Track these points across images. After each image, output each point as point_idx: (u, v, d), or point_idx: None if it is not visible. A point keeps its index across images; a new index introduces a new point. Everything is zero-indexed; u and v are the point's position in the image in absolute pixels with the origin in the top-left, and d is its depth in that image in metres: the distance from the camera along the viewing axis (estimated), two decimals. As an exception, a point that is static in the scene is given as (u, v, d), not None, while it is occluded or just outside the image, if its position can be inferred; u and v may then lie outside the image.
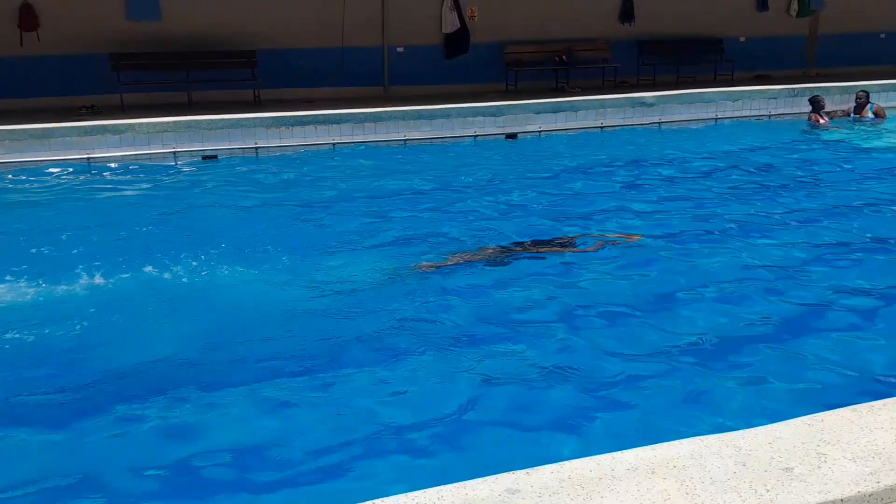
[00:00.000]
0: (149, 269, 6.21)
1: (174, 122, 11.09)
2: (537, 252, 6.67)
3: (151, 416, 4.18)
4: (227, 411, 4.25)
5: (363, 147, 11.67)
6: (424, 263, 6.49)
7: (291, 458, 3.83)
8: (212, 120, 11.26)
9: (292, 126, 11.47)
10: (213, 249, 6.69)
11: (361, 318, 5.40)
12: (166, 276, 6.13)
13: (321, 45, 15.31)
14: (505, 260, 6.54)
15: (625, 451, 2.66)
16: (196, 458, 3.85)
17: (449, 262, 6.48)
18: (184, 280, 6.08)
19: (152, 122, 10.98)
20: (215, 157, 11.09)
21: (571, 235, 7.27)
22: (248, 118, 11.43)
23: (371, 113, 11.94)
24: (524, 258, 6.56)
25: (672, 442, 2.72)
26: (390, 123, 11.96)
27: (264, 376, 4.57)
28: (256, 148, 11.33)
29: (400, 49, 16.05)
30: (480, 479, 2.50)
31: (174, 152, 10.98)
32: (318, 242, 7.14)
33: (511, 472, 2.52)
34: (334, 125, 11.70)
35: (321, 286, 5.97)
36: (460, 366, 4.68)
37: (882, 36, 20.00)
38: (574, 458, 2.68)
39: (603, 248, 6.79)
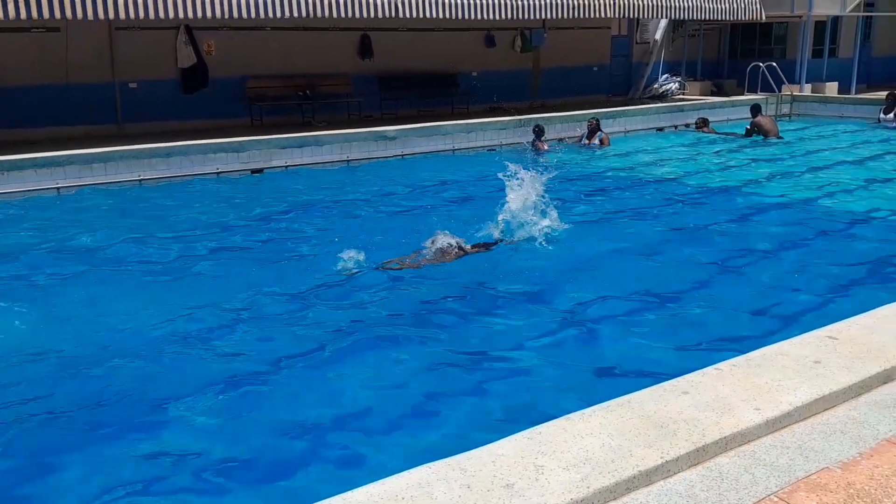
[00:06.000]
0: None
1: None
2: None
3: None
4: None
5: (90, 190, 10.82)
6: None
7: None
8: None
9: (7, 171, 10.38)
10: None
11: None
12: None
13: (42, 81, 14.12)
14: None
15: (355, 490, 2.63)
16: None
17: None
18: None
19: None
20: (-88, 209, 9.80)
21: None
22: (-49, 164, 10.23)
23: (99, 153, 11.14)
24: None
25: (402, 473, 2.74)
26: (122, 163, 11.23)
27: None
28: (-36, 197, 10.15)
29: (133, 84, 15.22)
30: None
31: None
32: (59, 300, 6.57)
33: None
34: (58, 168, 10.75)
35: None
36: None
37: (595, 69, 22.25)
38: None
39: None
